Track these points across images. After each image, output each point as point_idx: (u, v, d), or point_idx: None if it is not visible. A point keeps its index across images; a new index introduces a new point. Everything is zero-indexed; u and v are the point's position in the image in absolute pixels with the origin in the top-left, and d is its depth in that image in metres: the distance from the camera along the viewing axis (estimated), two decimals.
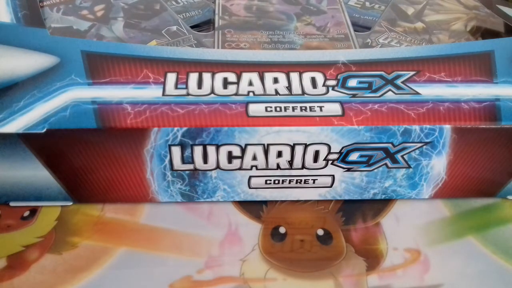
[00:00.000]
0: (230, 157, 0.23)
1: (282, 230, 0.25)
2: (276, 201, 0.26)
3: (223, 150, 0.23)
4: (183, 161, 0.23)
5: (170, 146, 0.22)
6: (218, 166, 0.23)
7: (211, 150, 0.23)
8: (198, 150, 0.23)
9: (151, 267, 0.23)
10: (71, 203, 0.25)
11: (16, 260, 0.23)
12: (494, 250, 0.24)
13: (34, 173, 0.23)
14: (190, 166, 0.23)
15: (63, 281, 0.22)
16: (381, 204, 0.26)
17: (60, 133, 0.21)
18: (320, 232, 0.25)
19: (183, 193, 0.25)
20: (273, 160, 0.23)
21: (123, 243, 0.24)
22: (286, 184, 0.25)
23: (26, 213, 0.25)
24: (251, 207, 0.26)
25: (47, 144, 0.22)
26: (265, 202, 0.26)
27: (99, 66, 0.23)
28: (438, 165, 0.24)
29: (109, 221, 0.25)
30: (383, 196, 0.26)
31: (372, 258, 0.24)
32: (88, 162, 0.23)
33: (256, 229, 0.25)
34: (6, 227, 0.25)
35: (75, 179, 0.24)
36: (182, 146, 0.22)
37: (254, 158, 0.23)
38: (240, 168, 0.24)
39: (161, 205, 0.25)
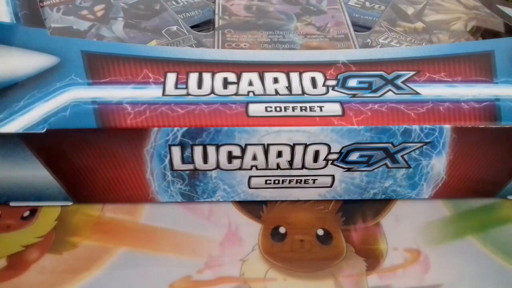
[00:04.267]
0: (230, 157, 0.23)
1: (282, 230, 0.25)
2: (276, 201, 0.26)
3: (223, 150, 0.23)
4: (183, 161, 0.23)
5: (170, 146, 0.22)
6: (218, 166, 0.23)
7: (211, 150, 0.23)
8: (198, 150, 0.23)
9: (151, 267, 0.23)
10: (71, 203, 0.25)
11: (16, 260, 0.23)
12: (494, 250, 0.24)
13: (34, 173, 0.23)
14: (190, 166, 0.23)
15: (63, 281, 0.22)
16: (381, 204, 0.26)
17: (60, 133, 0.21)
18: (320, 232, 0.25)
19: (183, 193, 0.25)
20: (273, 160, 0.23)
21: (123, 243, 0.24)
22: (286, 184, 0.25)
23: (26, 213, 0.25)
24: (251, 207, 0.26)
25: (47, 144, 0.22)
26: (265, 202, 0.26)
27: (99, 66, 0.24)
28: (438, 165, 0.24)
29: (109, 221, 0.25)
30: (383, 196, 0.26)
31: (372, 258, 0.24)
32: (88, 162, 0.23)
33: (256, 229, 0.25)
34: (6, 227, 0.25)
35: (75, 179, 0.24)
36: (182, 146, 0.22)
37: (254, 158, 0.23)
38: (240, 168, 0.24)
39: (161, 205, 0.25)
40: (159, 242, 0.24)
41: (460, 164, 0.24)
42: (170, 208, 0.25)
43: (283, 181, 0.24)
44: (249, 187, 0.25)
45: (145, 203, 0.26)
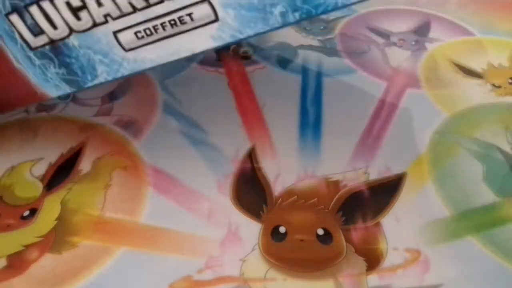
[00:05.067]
0: (73, 10, 0.20)
1: (282, 230, 0.25)
2: (277, 201, 0.26)
3: (59, 3, 0.20)
4: (33, 33, 0.21)
5: (7, 16, 0.20)
6: (71, 29, 0.21)
7: (47, 6, 0.20)
8: (36, 12, 0.20)
9: (151, 267, 0.23)
10: None
11: (16, 259, 0.23)
12: (494, 250, 0.24)
13: None
14: (44, 38, 0.21)
15: (63, 281, 0.22)
16: (381, 204, 0.26)
17: None
18: (320, 231, 0.25)
19: (64, 78, 0.22)
20: None
21: (123, 243, 0.24)
22: (162, 32, 0.20)
23: (26, 213, 0.25)
24: (251, 207, 0.26)
25: None
26: (265, 202, 0.26)
27: None
28: None
29: (109, 221, 0.25)
30: (297, 15, 0.19)
31: (372, 258, 0.24)
32: None
33: (256, 229, 0.25)
34: (6, 226, 0.25)
35: None
36: (18, 12, 0.20)
37: (98, 3, 0.20)
38: (95, 24, 0.20)
39: (161, 205, 0.25)
40: (159, 242, 0.24)
41: None
42: (170, 208, 0.25)
43: (155, 28, 0.20)
44: (124, 50, 0.21)
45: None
